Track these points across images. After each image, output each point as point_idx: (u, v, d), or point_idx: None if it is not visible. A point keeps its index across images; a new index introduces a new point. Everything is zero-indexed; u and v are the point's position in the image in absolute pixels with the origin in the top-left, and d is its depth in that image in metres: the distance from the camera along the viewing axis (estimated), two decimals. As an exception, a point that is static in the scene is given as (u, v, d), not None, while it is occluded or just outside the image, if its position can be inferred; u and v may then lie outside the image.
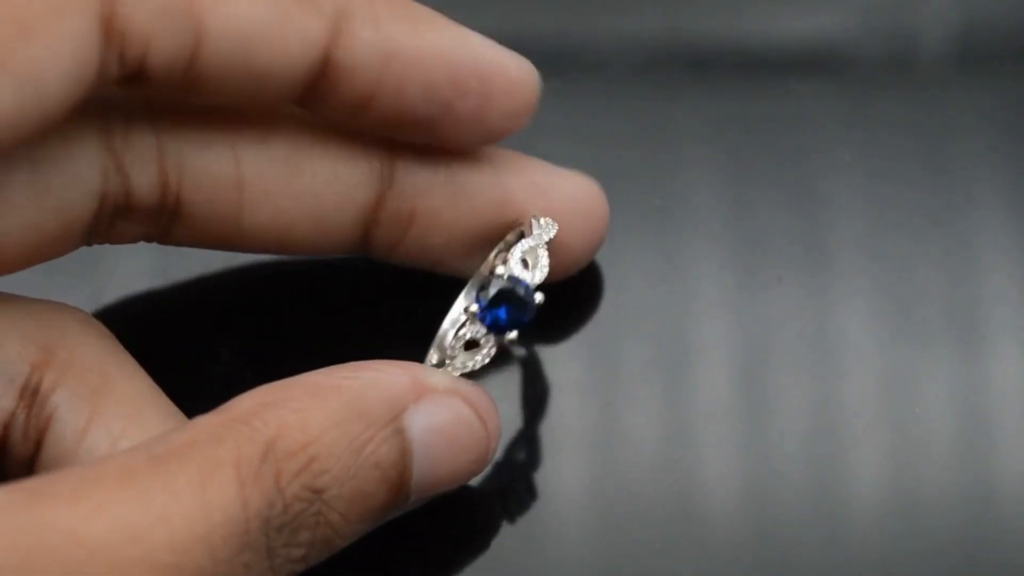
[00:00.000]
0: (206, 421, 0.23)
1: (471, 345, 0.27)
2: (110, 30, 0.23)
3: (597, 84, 0.34)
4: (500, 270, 0.27)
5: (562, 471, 0.30)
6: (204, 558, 0.21)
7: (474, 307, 0.26)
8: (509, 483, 0.29)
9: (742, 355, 0.31)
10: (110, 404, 0.26)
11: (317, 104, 0.26)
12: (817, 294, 0.32)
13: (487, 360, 0.27)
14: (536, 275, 0.27)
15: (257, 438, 0.22)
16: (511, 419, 0.30)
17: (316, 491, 0.23)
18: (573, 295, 0.31)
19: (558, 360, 0.31)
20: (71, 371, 0.26)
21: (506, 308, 0.27)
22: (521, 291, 0.26)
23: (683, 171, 0.33)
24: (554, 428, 0.30)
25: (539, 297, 0.27)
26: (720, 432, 0.30)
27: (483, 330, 0.27)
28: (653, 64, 0.35)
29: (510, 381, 0.30)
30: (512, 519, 0.29)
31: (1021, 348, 0.31)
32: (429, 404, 0.24)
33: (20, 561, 0.20)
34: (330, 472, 0.23)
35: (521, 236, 0.27)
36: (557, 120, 0.34)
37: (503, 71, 0.27)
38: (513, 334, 0.27)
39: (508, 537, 0.29)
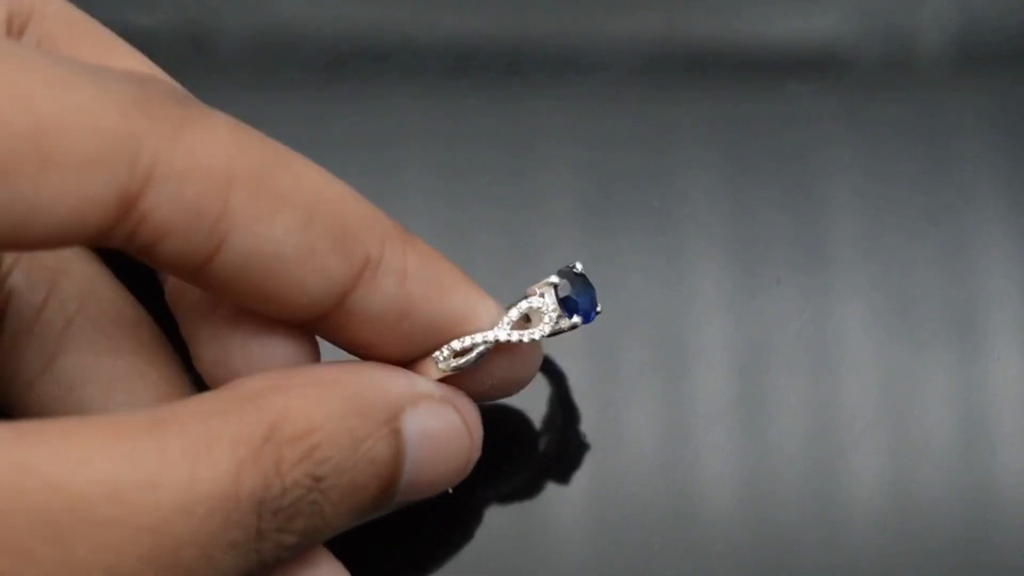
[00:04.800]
0: (212, 395, 0.23)
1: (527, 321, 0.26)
2: (128, 210, 0.22)
3: (596, 85, 0.34)
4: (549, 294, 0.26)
5: (561, 472, 0.30)
6: (185, 529, 0.21)
7: (554, 278, 0.26)
8: (508, 484, 0.29)
9: (741, 356, 0.31)
10: (66, 285, 0.26)
11: (320, 332, 0.25)
12: (816, 295, 0.32)
13: (538, 335, 0.26)
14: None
15: (262, 418, 0.22)
16: (511, 420, 0.30)
17: (316, 479, 0.23)
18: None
19: (557, 361, 0.31)
20: (29, 255, 0.26)
21: (581, 293, 0.26)
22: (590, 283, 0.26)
23: (682, 172, 0.33)
24: (553, 429, 0.30)
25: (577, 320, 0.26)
26: (719, 433, 0.30)
27: (551, 307, 0.26)
28: (652, 65, 0.35)
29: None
30: (512, 520, 0.29)
31: (1020, 348, 0.31)
32: (425, 409, 0.25)
33: None
34: (331, 462, 0.23)
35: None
36: (556, 121, 0.34)
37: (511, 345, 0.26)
38: (577, 319, 0.26)
39: (508, 538, 0.29)
